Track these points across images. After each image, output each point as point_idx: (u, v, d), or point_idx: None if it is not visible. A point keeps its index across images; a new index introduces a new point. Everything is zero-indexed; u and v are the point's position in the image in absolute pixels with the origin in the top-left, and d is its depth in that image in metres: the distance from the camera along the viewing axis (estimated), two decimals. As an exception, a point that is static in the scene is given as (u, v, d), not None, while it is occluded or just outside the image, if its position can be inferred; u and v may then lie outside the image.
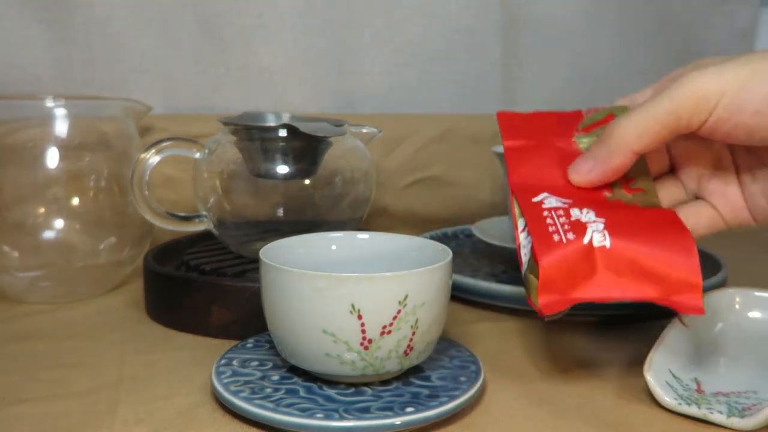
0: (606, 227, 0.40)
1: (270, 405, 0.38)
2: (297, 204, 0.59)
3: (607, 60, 0.91)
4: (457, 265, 0.65)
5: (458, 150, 0.83)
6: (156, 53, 0.76)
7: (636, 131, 0.41)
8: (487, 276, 0.63)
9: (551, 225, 0.41)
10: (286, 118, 0.60)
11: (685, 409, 0.40)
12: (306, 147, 0.57)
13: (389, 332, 0.39)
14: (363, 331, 0.38)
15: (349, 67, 0.83)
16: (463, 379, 0.42)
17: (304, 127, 0.54)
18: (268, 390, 0.41)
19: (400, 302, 0.38)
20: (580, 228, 0.40)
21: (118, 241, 0.62)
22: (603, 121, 0.48)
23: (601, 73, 0.91)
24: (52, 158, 0.59)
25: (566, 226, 0.41)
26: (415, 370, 0.43)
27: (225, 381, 0.41)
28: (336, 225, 0.59)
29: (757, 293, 0.51)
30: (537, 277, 0.39)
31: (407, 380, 0.42)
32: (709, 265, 0.66)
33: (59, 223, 0.60)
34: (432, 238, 0.71)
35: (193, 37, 0.76)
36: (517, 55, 0.87)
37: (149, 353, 0.49)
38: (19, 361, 0.48)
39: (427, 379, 0.42)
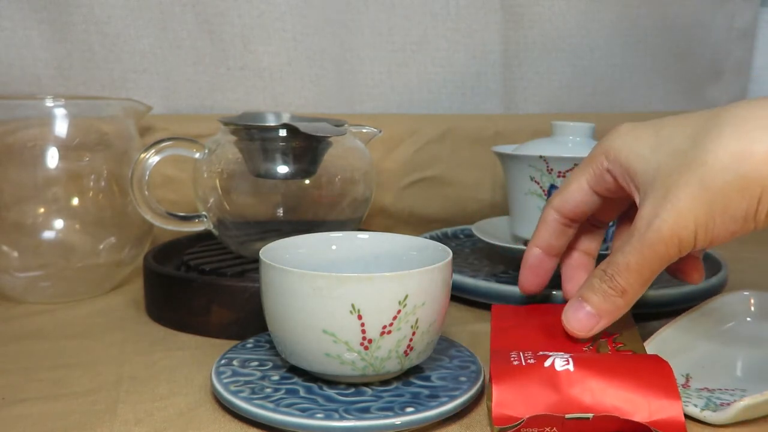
0: (571, 357, 0.39)
1: (270, 405, 0.38)
2: (297, 204, 0.59)
3: (607, 60, 0.91)
4: (457, 265, 0.65)
5: (458, 150, 0.83)
6: (155, 53, 0.76)
7: (641, 284, 0.41)
8: (487, 276, 0.63)
9: (514, 358, 0.40)
10: (286, 118, 0.60)
11: None
12: (306, 147, 0.57)
13: (389, 332, 0.39)
14: (363, 331, 0.38)
15: (349, 67, 0.83)
16: (463, 379, 0.42)
17: (304, 127, 0.54)
18: (268, 390, 0.41)
19: (400, 302, 0.38)
20: (542, 357, 0.39)
21: (118, 241, 0.62)
22: None
23: (601, 73, 0.91)
24: (52, 158, 0.59)
25: (528, 356, 0.40)
26: (415, 370, 0.43)
27: (225, 381, 0.41)
28: (336, 225, 0.59)
29: None
30: (491, 399, 0.37)
31: (407, 380, 0.42)
32: (709, 265, 0.66)
33: (59, 223, 0.60)
34: (432, 238, 0.71)
35: (192, 37, 0.76)
36: (518, 55, 0.87)
37: (149, 353, 0.49)
38: (19, 361, 0.48)
39: (427, 379, 0.42)
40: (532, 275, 0.49)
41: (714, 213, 0.38)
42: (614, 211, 0.48)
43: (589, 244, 0.50)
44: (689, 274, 0.47)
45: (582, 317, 0.43)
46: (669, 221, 0.38)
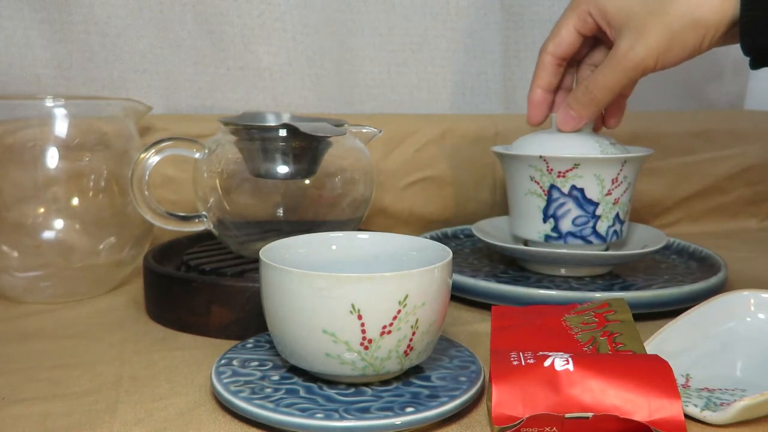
0: (571, 357, 0.39)
1: (270, 405, 0.38)
2: (297, 204, 0.59)
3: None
4: (457, 265, 0.65)
5: (458, 150, 0.83)
6: (156, 53, 0.76)
7: (609, 97, 0.57)
8: (487, 276, 0.63)
9: (514, 358, 0.40)
10: (286, 118, 0.60)
11: None
12: (306, 147, 0.57)
13: (389, 332, 0.39)
14: (363, 331, 0.38)
15: (349, 67, 0.83)
16: (463, 379, 0.42)
17: (304, 127, 0.54)
18: (268, 390, 0.41)
19: (400, 302, 0.38)
20: (542, 357, 0.39)
21: (118, 241, 0.62)
22: (598, 307, 0.49)
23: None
24: (52, 158, 0.59)
25: (528, 356, 0.40)
26: (415, 370, 0.43)
27: (225, 381, 0.41)
28: (336, 225, 0.59)
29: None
30: (491, 399, 0.37)
31: (407, 380, 0.42)
32: (709, 265, 0.66)
33: (59, 223, 0.60)
34: (432, 238, 0.71)
35: (192, 37, 0.76)
36: (517, 55, 0.87)
37: (149, 353, 0.49)
38: (19, 361, 0.48)
39: (427, 379, 0.42)
40: (538, 110, 0.63)
41: (672, 47, 0.52)
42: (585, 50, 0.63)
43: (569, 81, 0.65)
44: (613, 115, 0.64)
45: (568, 118, 0.60)
46: (641, 53, 0.53)
